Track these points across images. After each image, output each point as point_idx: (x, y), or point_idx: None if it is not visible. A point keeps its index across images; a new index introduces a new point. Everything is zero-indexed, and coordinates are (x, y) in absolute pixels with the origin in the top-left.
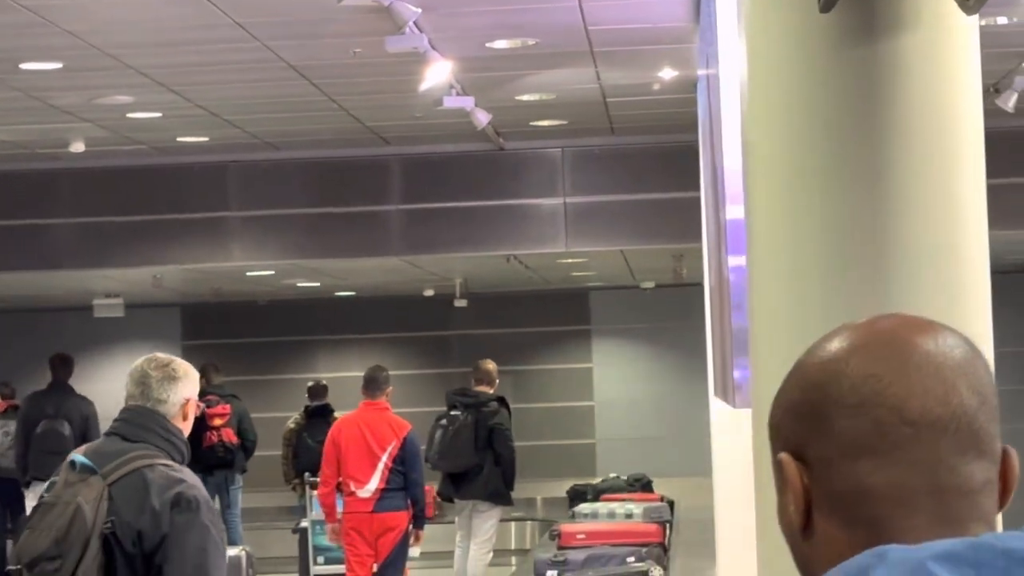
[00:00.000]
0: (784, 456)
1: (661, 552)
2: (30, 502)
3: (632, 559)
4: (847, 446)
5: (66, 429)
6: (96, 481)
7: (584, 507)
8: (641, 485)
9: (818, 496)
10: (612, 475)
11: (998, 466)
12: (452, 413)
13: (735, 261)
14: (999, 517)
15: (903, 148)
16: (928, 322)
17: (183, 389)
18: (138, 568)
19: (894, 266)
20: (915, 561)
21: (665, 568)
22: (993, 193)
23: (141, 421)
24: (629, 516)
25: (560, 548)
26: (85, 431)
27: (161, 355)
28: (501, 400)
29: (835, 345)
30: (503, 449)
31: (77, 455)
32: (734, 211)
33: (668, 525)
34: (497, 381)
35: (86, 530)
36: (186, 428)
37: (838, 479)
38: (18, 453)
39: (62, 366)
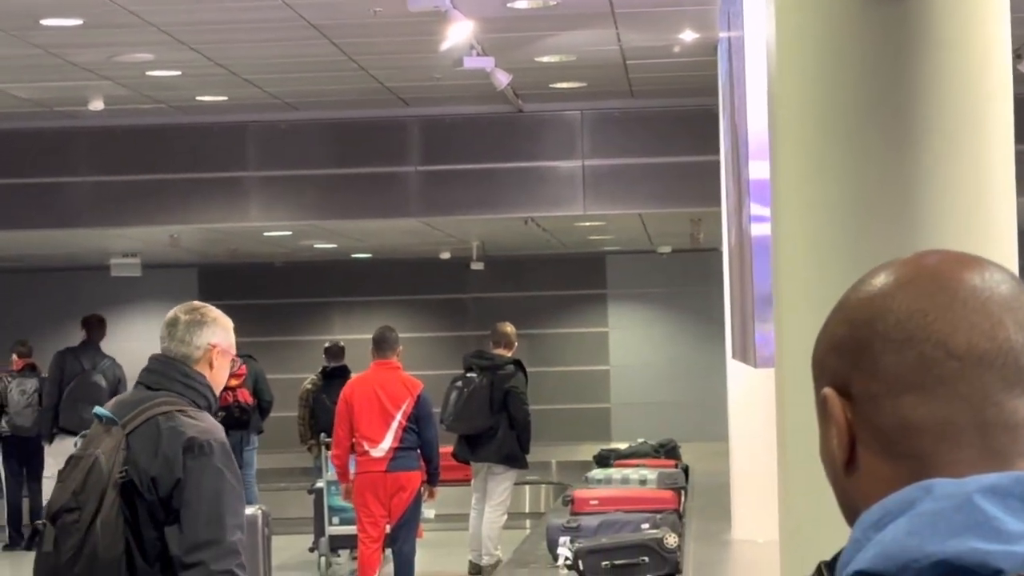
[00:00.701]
0: (828, 391)
1: (676, 519)
2: (51, 460)
3: (646, 526)
4: (892, 381)
5: (102, 381)
6: (117, 431)
7: (597, 473)
8: (667, 451)
9: (862, 431)
10: (640, 440)
11: None
12: (468, 375)
13: (758, 221)
14: None
15: (932, 106)
16: (974, 257)
17: (209, 334)
18: (158, 515)
19: (921, 226)
20: (962, 494)
21: (680, 535)
22: (1016, 160)
23: (163, 369)
24: (643, 482)
25: (573, 514)
26: (115, 392)
27: (197, 303)
28: (517, 363)
29: (880, 281)
30: (518, 412)
31: (99, 408)
32: (758, 170)
33: (683, 492)
34: (515, 344)
35: (102, 481)
36: (214, 377)
37: (883, 414)
38: (48, 405)
39: (99, 326)
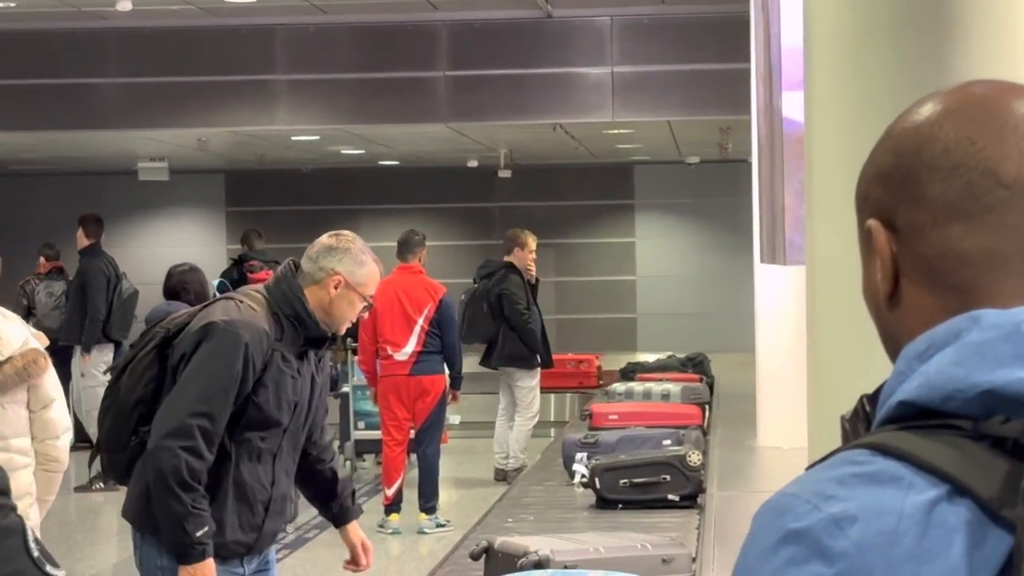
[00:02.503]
0: (873, 223)
1: (700, 435)
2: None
3: (668, 442)
4: (939, 211)
5: (132, 288)
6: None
7: (618, 386)
8: (694, 365)
9: (907, 263)
10: (668, 354)
11: None
12: (473, 285)
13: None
14: None
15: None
16: (1023, 86)
17: (336, 261)
18: (170, 383)
19: None
20: (1010, 325)
21: (704, 452)
22: None
23: (279, 274)
24: (666, 396)
25: (591, 429)
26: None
27: (348, 232)
28: (509, 266)
29: (928, 109)
30: (511, 314)
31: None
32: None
33: (707, 407)
34: (521, 247)
35: (153, 332)
36: (332, 305)
37: (929, 244)
38: (95, 315)
39: (102, 227)
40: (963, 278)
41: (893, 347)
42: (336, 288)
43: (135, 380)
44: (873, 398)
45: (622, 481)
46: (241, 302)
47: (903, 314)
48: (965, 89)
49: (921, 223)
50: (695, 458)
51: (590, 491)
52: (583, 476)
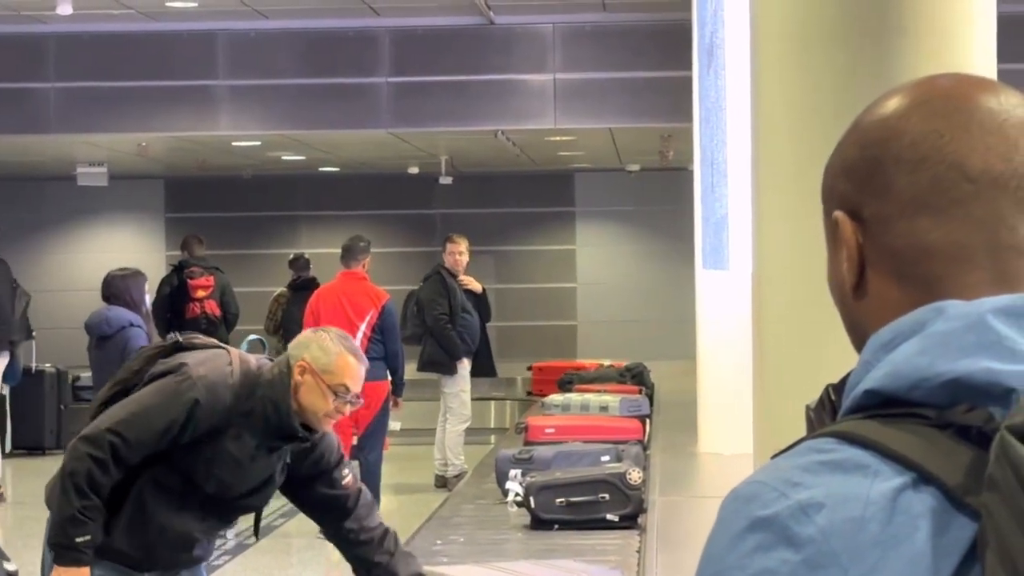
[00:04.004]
0: (839, 214)
1: (640, 451)
2: None
3: (607, 458)
4: (906, 203)
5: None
6: None
7: (555, 397)
8: (633, 375)
9: (873, 255)
10: (606, 363)
11: None
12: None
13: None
14: None
15: (914, 23)
16: (990, 80)
17: (303, 349)
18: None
19: None
20: (974, 315)
21: (645, 468)
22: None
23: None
24: (605, 409)
25: (527, 443)
26: None
27: (334, 329)
28: (437, 271)
29: (895, 102)
30: (427, 318)
31: None
32: (735, 78)
33: (648, 420)
34: (450, 254)
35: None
36: (301, 397)
37: (895, 236)
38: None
39: None
40: (929, 270)
41: (858, 338)
42: (302, 375)
43: (110, 383)
44: (839, 387)
45: (558, 500)
46: (233, 365)
47: (869, 305)
48: (932, 82)
49: (887, 215)
50: (635, 476)
51: (524, 510)
52: (517, 494)
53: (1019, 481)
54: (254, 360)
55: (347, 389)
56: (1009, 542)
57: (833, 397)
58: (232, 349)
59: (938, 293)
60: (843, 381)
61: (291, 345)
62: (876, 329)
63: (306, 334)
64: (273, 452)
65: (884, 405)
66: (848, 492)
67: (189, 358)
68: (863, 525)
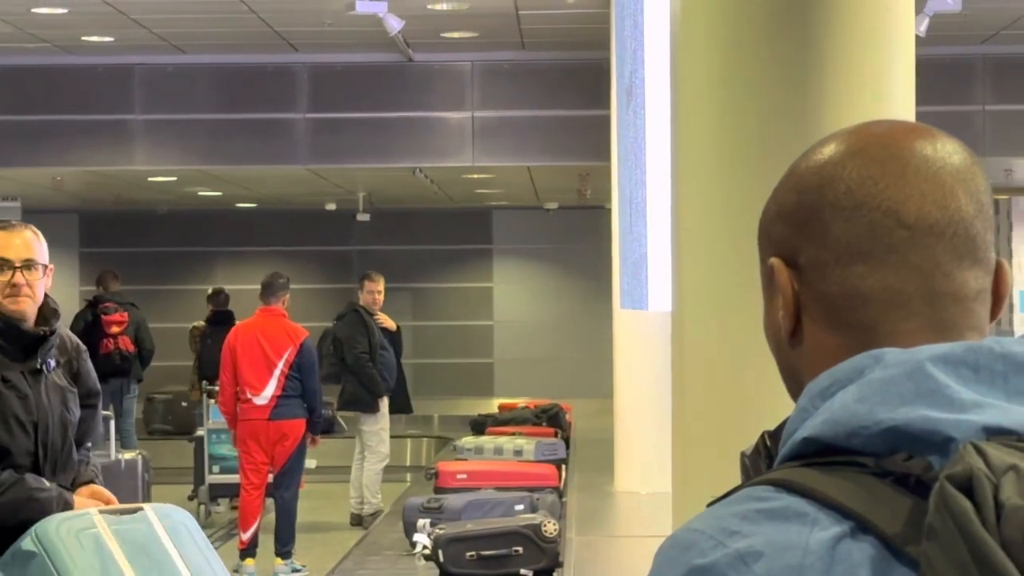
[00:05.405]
0: (775, 261)
1: (556, 499)
2: None
3: (521, 507)
4: (842, 250)
5: None
6: None
7: (467, 441)
8: (548, 417)
9: (809, 302)
10: (521, 404)
11: (991, 276)
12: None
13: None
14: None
15: (832, 45)
16: (926, 127)
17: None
18: None
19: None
20: (913, 362)
21: (560, 518)
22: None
23: None
24: (519, 453)
25: (437, 490)
26: None
27: None
28: (354, 309)
29: (831, 149)
30: (348, 356)
31: None
32: (655, 118)
33: (563, 465)
34: (368, 292)
35: None
36: None
37: (832, 283)
38: None
39: None
40: (865, 317)
41: (795, 385)
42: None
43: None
44: (775, 434)
45: (468, 554)
46: None
47: (805, 352)
48: (867, 129)
49: (824, 261)
50: (551, 528)
51: (432, 564)
52: (425, 547)
53: (959, 531)
54: None
55: (5, 260)
56: None
57: (769, 444)
58: None
59: (875, 340)
60: (779, 428)
61: None
62: (813, 376)
63: None
64: (42, 377)
65: (822, 453)
66: (787, 541)
67: None
68: (802, 573)
